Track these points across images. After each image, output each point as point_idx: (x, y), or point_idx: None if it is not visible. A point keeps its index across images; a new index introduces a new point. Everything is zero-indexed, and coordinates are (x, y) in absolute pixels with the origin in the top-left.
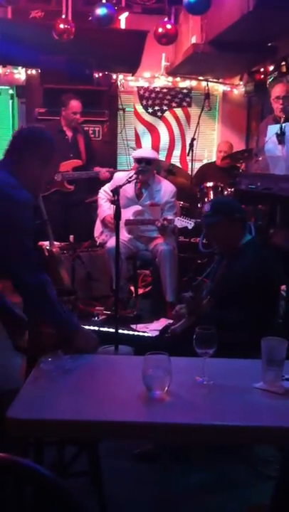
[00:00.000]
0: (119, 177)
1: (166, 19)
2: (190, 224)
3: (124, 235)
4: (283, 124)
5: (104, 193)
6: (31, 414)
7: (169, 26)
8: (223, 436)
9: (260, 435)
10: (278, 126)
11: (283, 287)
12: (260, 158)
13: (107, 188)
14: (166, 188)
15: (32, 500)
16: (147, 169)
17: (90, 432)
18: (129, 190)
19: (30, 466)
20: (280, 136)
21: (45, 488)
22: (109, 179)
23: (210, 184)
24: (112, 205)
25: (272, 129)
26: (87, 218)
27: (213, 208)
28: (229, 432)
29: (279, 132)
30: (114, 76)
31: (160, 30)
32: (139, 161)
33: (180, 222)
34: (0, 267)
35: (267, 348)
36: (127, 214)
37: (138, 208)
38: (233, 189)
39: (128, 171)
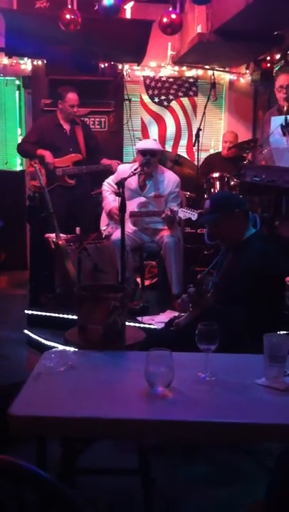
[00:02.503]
0: (123, 169)
1: (171, 8)
2: (193, 215)
3: (130, 227)
4: (288, 116)
5: (108, 185)
6: (32, 411)
7: (173, 16)
8: (225, 434)
9: (262, 432)
10: (283, 117)
11: (288, 279)
12: (265, 150)
13: (110, 180)
14: (169, 179)
15: (32, 503)
16: (152, 161)
17: (92, 430)
18: (132, 182)
19: (30, 468)
20: (285, 128)
21: (46, 491)
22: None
23: (216, 175)
24: (116, 197)
25: (277, 121)
26: (93, 210)
27: (212, 205)
28: (231, 429)
29: (284, 124)
30: (120, 66)
31: (165, 20)
32: (143, 153)
33: (183, 213)
34: None
35: (269, 344)
36: (132, 206)
37: (142, 199)
38: (239, 180)
39: (131, 163)
